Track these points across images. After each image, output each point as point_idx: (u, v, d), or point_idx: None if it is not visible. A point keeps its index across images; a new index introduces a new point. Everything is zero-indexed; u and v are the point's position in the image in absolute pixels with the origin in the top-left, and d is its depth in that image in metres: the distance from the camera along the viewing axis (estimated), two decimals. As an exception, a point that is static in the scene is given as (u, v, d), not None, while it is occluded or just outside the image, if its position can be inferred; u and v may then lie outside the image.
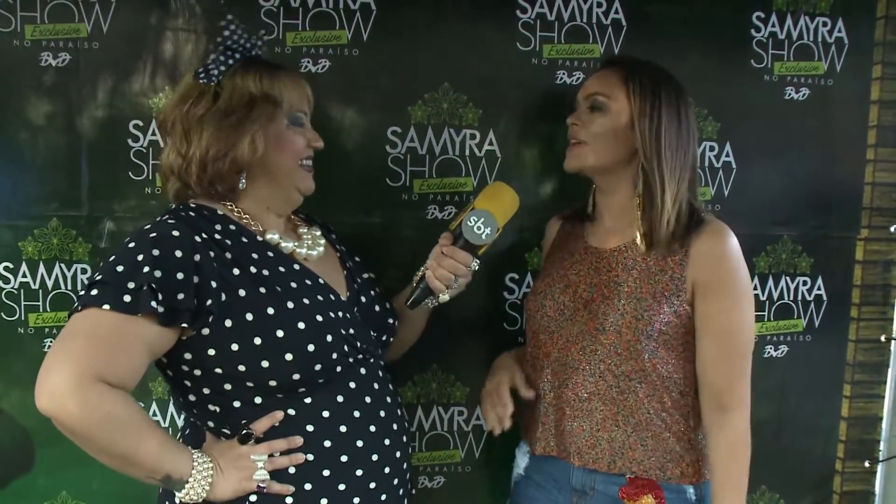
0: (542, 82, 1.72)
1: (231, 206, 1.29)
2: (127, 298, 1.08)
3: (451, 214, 1.72)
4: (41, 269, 1.61)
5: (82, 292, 1.11)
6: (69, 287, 1.63)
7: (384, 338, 1.38)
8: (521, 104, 1.73)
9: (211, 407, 1.23)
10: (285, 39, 1.62)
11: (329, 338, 1.21)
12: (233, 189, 1.27)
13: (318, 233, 1.40)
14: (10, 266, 1.60)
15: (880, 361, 1.93)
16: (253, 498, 1.20)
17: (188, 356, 1.18)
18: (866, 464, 1.95)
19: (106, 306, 1.08)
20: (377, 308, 1.36)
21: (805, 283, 1.88)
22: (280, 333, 1.17)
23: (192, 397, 1.23)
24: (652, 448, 1.38)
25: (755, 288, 1.82)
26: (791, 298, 1.88)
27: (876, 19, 1.84)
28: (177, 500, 1.20)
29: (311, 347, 1.19)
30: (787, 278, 1.87)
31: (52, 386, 1.04)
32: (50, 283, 1.62)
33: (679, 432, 1.39)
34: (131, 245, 1.14)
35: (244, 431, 1.20)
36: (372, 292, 1.39)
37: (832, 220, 1.88)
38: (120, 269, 1.11)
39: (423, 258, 1.66)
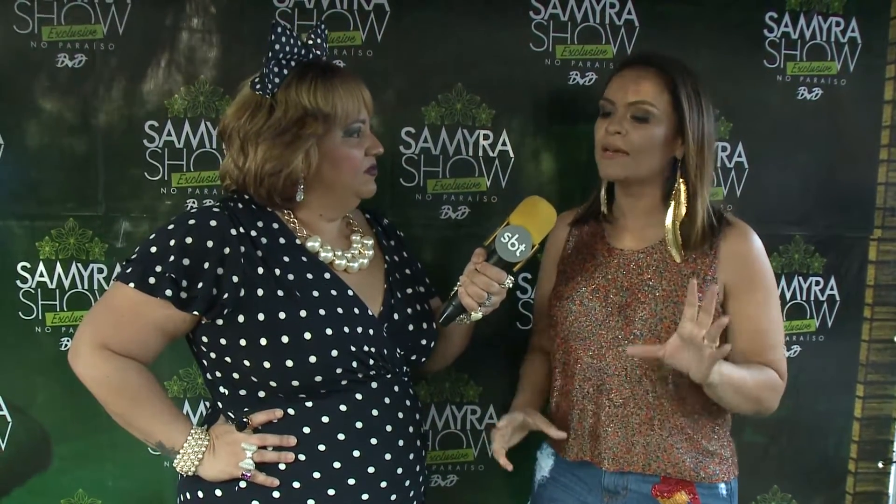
0: (555, 83, 1.73)
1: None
2: (151, 280, 1.18)
3: (464, 215, 1.73)
4: (58, 268, 1.62)
5: (123, 263, 1.23)
6: (86, 287, 1.64)
7: (413, 357, 1.35)
8: (534, 105, 1.73)
9: (221, 389, 1.28)
10: (300, 40, 1.63)
11: (334, 352, 1.21)
12: (290, 199, 1.28)
13: (370, 241, 1.38)
14: (28, 266, 1.62)
15: (894, 362, 1.92)
16: (243, 484, 1.23)
17: (205, 339, 1.24)
18: (879, 464, 1.95)
19: (131, 284, 1.19)
20: (411, 327, 1.34)
21: (818, 283, 1.88)
22: (285, 339, 1.19)
23: (209, 376, 1.30)
24: (686, 450, 1.37)
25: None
26: (804, 298, 1.88)
27: (890, 19, 1.84)
28: (199, 494, 1.26)
29: (312, 359, 1.19)
30: (800, 278, 1.87)
31: (72, 345, 1.23)
32: (67, 283, 1.63)
33: (711, 432, 1.40)
34: (170, 227, 1.22)
35: (242, 419, 1.24)
36: (410, 310, 1.35)
37: (845, 221, 1.87)
38: (153, 250, 1.20)
39: (436, 258, 1.68)
